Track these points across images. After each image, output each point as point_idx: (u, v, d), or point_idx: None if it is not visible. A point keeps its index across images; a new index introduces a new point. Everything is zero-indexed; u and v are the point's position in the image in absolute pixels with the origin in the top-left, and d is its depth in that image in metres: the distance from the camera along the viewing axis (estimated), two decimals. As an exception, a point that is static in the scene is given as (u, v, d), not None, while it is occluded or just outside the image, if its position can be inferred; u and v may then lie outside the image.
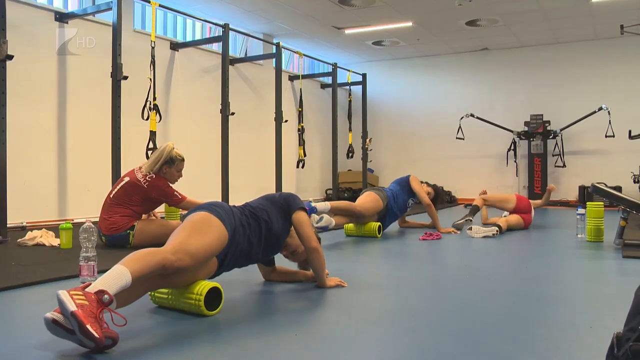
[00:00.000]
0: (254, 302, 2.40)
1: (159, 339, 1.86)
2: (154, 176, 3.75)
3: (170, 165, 3.80)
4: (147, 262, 1.80)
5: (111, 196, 3.78)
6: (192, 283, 2.07)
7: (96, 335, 1.54)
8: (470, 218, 5.03)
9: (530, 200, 5.42)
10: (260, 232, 2.34)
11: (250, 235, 2.29)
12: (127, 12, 5.87)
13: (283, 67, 7.65)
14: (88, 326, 1.53)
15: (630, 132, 7.36)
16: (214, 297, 2.09)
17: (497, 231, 4.55)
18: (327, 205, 4.18)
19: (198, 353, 1.71)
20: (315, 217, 4.00)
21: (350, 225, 4.65)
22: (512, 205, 5.11)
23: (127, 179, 3.77)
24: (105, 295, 1.64)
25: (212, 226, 2.08)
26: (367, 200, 4.59)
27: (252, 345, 1.77)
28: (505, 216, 5.13)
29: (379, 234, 4.58)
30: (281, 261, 2.78)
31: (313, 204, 4.08)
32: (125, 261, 1.78)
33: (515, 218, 4.94)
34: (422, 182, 5.07)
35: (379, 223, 4.61)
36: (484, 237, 4.44)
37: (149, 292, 2.16)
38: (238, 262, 2.35)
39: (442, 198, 5.20)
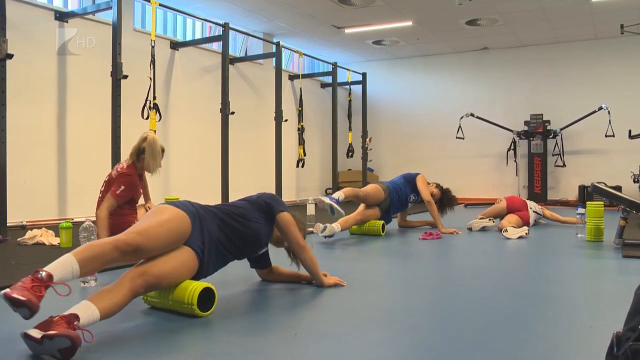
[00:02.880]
0: (253, 301, 2.40)
1: (156, 337, 1.86)
2: (125, 166, 3.60)
3: (144, 155, 3.62)
4: (97, 246, 1.87)
5: (100, 195, 3.72)
6: (178, 283, 2.05)
7: (22, 297, 1.59)
8: (488, 219, 5.10)
9: (552, 213, 5.52)
10: (238, 228, 2.31)
11: (224, 228, 2.27)
12: (127, 11, 5.87)
13: (283, 66, 7.65)
14: (14, 294, 1.59)
15: (630, 131, 7.36)
16: (207, 298, 2.08)
17: (528, 231, 4.64)
18: (342, 194, 4.41)
19: (198, 352, 1.71)
20: (320, 226, 4.24)
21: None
22: (504, 207, 5.16)
23: (107, 177, 3.70)
24: (41, 272, 1.70)
25: (165, 210, 2.12)
26: (369, 188, 4.81)
27: (252, 345, 1.77)
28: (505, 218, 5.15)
29: (383, 232, 4.65)
30: (279, 261, 2.78)
31: (334, 196, 4.32)
32: (75, 250, 1.85)
33: (515, 218, 4.95)
34: (429, 182, 5.09)
35: (382, 222, 4.68)
36: (519, 237, 4.48)
37: (143, 299, 2.15)
38: (221, 256, 2.29)
39: (449, 201, 5.11)
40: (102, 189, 3.69)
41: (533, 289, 2.68)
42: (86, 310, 1.72)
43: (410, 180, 4.96)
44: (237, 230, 2.31)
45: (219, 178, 6.33)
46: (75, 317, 1.66)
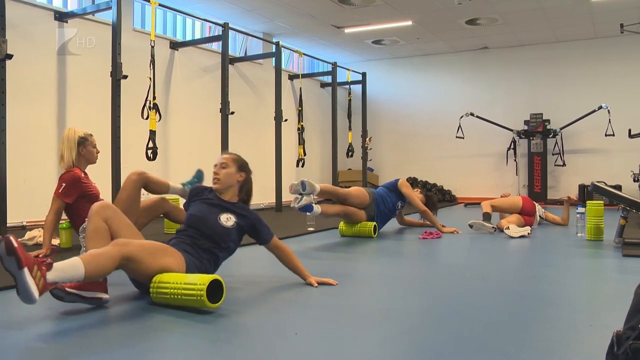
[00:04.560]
0: (253, 301, 2.40)
1: (158, 336, 1.86)
2: (64, 172, 3.57)
3: (85, 144, 3.61)
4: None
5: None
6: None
7: (17, 247, 1.77)
8: (492, 225, 4.84)
9: (554, 216, 5.48)
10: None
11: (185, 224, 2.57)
12: (127, 11, 5.87)
13: (283, 66, 7.65)
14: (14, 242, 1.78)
15: (630, 130, 7.36)
16: (215, 290, 2.11)
17: (530, 231, 4.63)
18: (317, 187, 4.15)
19: (198, 352, 1.71)
20: (295, 201, 4.05)
21: (344, 225, 4.62)
22: (519, 208, 5.09)
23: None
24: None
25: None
26: (352, 189, 4.63)
27: (252, 345, 1.77)
28: (506, 217, 5.12)
29: (375, 234, 4.53)
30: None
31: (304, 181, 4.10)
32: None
33: (515, 218, 4.94)
34: (415, 186, 5.04)
35: (374, 223, 4.56)
36: (520, 236, 4.47)
37: (151, 290, 2.18)
38: (200, 246, 2.46)
39: (433, 204, 5.07)
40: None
41: (533, 288, 2.68)
42: (68, 262, 1.92)
43: (392, 188, 4.87)
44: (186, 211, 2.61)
45: (219, 178, 6.32)
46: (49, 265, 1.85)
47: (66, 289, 2.00)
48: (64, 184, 3.49)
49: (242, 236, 2.61)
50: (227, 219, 2.52)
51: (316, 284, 2.57)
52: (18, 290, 1.75)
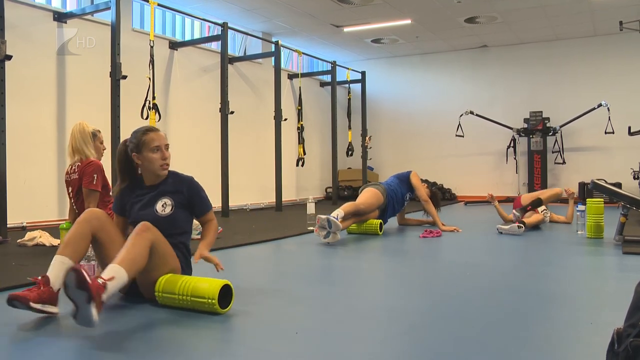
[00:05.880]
0: (253, 301, 2.40)
1: (160, 337, 1.86)
2: (81, 163, 3.53)
3: (94, 140, 3.61)
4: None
5: (71, 201, 3.63)
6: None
7: (89, 280, 1.74)
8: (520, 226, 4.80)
9: (558, 216, 5.47)
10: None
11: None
12: (126, 12, 5.87)
13: (282, 65, 7.66)
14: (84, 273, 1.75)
15: (629, 128, 7.35)
16: (224, 295, 2.11)
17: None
18: (341, 211, 4.24)
19: (198, 352, 1.71)
20: (321, 233, 4.06)
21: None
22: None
23: (69, 188, 3.60)
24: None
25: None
26: (368, 196, 4.64)
27: (253, 344, 1.77)
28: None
29: (380, 231, 4.62)
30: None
31: (333, 214, 4.13)
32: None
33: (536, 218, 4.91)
34: (422, 180, 5.08)
35: (380, 220, 4.65)
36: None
37: (156, 292, 2.16)
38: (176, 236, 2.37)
39: (437, 201, 5.09)
40: (71, 196, 3.59)
41: (533, 286, 2.68)
42: (115, 275, 1.89)
43: (404, 179, 4.94)
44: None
45: (219, 178, 6.33)
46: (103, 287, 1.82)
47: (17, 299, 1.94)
48: (95, 175, 3.45)
49: (190, 210, 2.44)
50: (163, 206, 2.35)
51: (196, 260, 2.30)
52: (77, 317, 1.74)
